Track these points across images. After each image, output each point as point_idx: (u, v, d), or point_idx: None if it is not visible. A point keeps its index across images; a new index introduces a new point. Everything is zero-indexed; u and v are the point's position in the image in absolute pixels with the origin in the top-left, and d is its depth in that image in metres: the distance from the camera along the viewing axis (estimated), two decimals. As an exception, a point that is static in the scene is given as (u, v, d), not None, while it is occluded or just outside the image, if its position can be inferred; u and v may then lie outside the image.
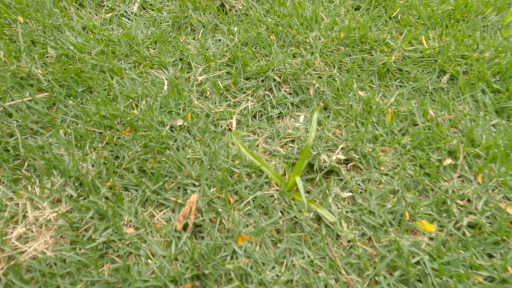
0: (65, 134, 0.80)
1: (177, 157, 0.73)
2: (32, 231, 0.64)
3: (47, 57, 0.94)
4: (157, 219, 0.66)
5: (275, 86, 0.89)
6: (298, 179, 0.62)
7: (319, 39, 0.97)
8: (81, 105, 0.84)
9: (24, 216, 0.67)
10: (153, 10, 1.12)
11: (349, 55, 0.94)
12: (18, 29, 0.99)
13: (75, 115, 0.83)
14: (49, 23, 1.03)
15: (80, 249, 0.62)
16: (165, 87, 0.88)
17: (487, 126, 0.77)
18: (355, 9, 1.09)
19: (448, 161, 0.71)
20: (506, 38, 0.97)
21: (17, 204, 0.68)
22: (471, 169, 0.70)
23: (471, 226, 0.63)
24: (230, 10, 1.11)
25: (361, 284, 0.57)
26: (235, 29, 1.02)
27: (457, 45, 0.94)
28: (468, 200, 0.66)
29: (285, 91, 0.89)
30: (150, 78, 0.91)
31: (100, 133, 0.79)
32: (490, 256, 0.61)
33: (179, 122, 0.81)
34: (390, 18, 1.04)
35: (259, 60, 0.93)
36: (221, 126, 0.81)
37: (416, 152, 0.73)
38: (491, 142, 0.71)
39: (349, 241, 0.62)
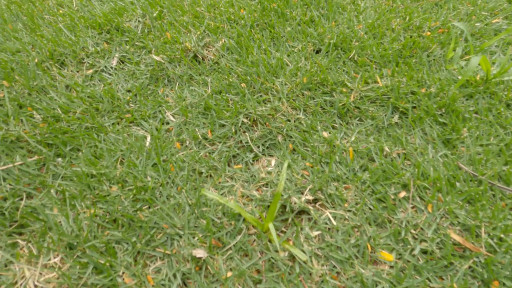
0: (56, 193, 0.87)
1: (163, 209, 0.80)
2: (33, 293, 0.70)
3: (34, 119, 1.01)
4: (150, 270, 0.73)
5: (248, 131, 0.98)
6: (271, 226, 0.71)
7: (285, 84, 1.07)
8: (71, 165, 0.90)
9: (23, 277, 0.72)
10: (131, 63, 1.20)
11: (313, 98, 1.04)
12: (4, 93, 1.06)
13: (65, 175, 0.89)
14: (34, 85, 1.10)
15: (79, 306, 0.68)
16: (147, 142, 0.96)
17: (435, 157, 0.88)
18: (316, 52, 1.21)
19: (403, 193, 0.81)
20: (449, 71, 1.10)
21: (16, 268, 0.74)
22: (422, 199, 0.80)
23: (424, 252, 0.73)
24: (203, 60, 1.20)
25: (332, 315, 0.66)
26: (208, 79, 1.11)
27: (407, 81, 1.06)
28: (421, 229, 0.76)
29: (258, 135, 0.98)
30: (132, 132, 0.99)
31: (91, 191, 0.86)
32: (441, 278, 0.70)
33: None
34: (348, 59, 1.16)
35: (231, 107, 1.02)
36: (202, 174, 0.89)
37: (375, 187, 0.83)
38: (436, 175, 0.81)
39: (320, 276, 0.71)
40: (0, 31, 1.29)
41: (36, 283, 0.72)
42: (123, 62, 1.22)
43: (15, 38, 1.25)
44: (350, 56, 1.16)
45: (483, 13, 1.33)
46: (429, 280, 0.69)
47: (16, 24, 1.33)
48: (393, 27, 1.27)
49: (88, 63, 1.20)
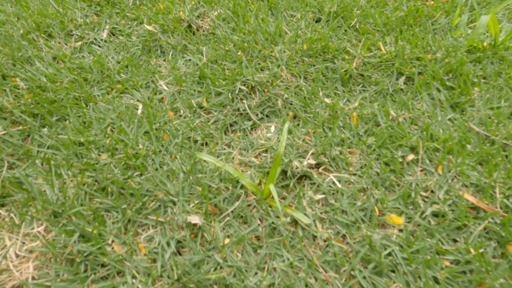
0: (42, 164, 0.81)
1: (156, 176, 0.75)
2: (12, 262, 0.65)
3: (18, 89, 0.95)
4: (141, 238, 0.68)
5: (245, 99, 0.93)
6: (272, 187, 0.65)
7: (284, 52, 1.02)
8: (57, 134, 0.85)
9: (3, 247, 0.67)
10: (122, 35, 1.15)
11: (313, 65, 0.99)
12: (-13, 64, 1.00)
13: (51, 145, 0.84)
14: (19, 55, 1.04)
15: (63, 274, 0.63)
16: (139, 110, 0.91)
17: (444, 121, 0.83)
18: (316, 21, 1.15)
19: (411, 156, 0.76)
20: (455, 38, 1.05)
21: (-2, 238, 0.68)
22: (432, 162, 0.76)
23: (435, 214, 0.68)
24: (198, 30, 1.15)
25: (338, 280, 0.61)
26: (203, 48, 1.06)
27: (412, 48, 1.01)
28: (431, 191, 0.71)
29: (256, 103, 0.92)
30: (123, 102, 0.93)
31: (78, 159, 0.80)
32: (455, 240, 0.65)
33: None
34: (349, 27, 1.11)
35: (228, 75, 0.97)
36: (197, 142, 0.84)
37: (381, 150, 0.78)
38: (447, 136, 0.77)
39: (325, 241, 0.66)
40: (-16, 4, 1.23)
41: (17, 252, 0.66)
42: (114, 35, 1.17)
43: (-1, 10, 1.19)
44: (352, 24, 1.11)
45: (487, -17, 1.28)
46: (442, 243, 0.64)
47: (1, -3, 1.27)
48: (395, -4, 1.22)
49: (77, 35, 1.14)
